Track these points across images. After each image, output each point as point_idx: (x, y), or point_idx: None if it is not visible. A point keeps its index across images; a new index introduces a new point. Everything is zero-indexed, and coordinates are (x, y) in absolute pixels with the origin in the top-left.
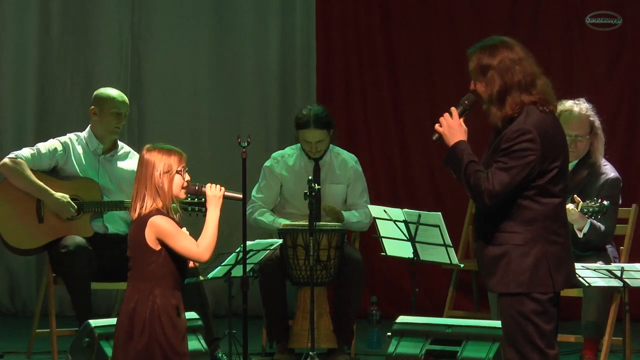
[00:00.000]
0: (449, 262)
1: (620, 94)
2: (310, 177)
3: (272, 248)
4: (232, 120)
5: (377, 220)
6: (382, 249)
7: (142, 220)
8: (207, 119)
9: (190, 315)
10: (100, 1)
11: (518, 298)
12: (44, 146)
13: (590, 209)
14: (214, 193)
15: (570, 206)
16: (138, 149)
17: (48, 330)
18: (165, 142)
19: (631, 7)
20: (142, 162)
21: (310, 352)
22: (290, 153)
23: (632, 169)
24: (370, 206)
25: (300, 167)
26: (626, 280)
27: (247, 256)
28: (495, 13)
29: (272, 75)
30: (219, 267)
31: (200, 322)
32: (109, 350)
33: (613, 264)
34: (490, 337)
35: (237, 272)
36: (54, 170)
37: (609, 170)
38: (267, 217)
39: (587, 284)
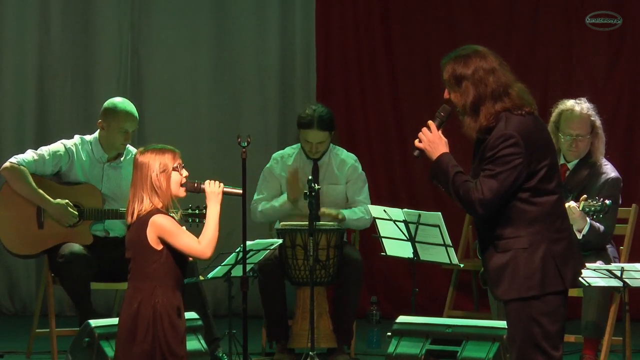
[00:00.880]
0: (449, 262)
1: (620, 94)
2: (310, 177)
3: (271, 248)
4: (232, 120)
5: (377, 220)
6: (382, 249)
7: (142, 221)
8: (207, 118)
9: (190, 315)
10: (100, 1)
11: (528, 301)
12: (47, 150)
13: (592, 208)
14: (213, 189)
15: (571, 204)
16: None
17: (48, 330)
18: (165, 142)
19: (631, 7)
20: (136, 165)
21: (310, 352)
22: (290, 153)
23: (632, 169)
24: (370, 206)
25: (300, 167)
26: (626, 280)
27: (247, 256)
28: (495, 13)
29: (272, 75)
30: (218, 267)
31: (200, 322)
32: (109, 350)
33: (613, 264)
34: (490, 337)
35: (237, 272)
36: (57, 175)
37: (610, 170)
38: (270, 203)
39: (587, 284)
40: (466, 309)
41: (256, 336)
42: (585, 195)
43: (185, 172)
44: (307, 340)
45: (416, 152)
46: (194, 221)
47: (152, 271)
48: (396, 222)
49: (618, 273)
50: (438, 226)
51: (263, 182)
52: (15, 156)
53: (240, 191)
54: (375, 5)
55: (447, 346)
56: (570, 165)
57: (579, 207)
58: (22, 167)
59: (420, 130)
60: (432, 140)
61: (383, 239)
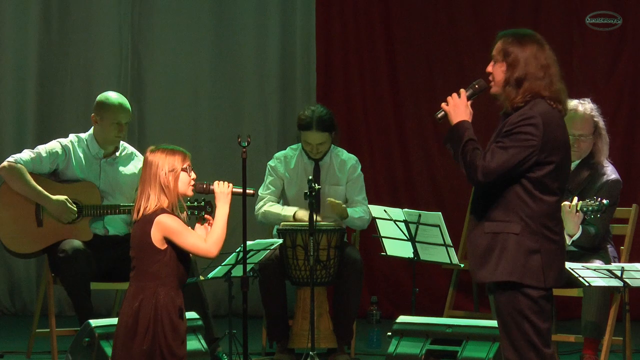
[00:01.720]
0: (449, 262)
1: (620, 94)
2: (310, 177)
3: (272, 248)
4: (232, 120)
5: (377, 220)
6: (383, 249)
7: (147, 220)
8: (207, 118)
9: (191, 315)
10: (100, 1)
11: (513, 294)
12: (44, 149)
13: (590, 208)
14: (222, 190)
15: (567, 203)
16: (138, 149)
17: (48, 330)
18: (166, 142)
19: (631, 7)
20: (146, 163)
21: (310, 352)
22: (291, 154)
23: (632, 169)
24: (370, 206)
25: (301, 168)
26: (626, 280)
27: (247, 256)
28: (495, 13)
29: (272, 75)
30: (219, 267)
31: (200, 322)
32: (109, 350)
33: (613, 264)
34: (490, 337)
35: (237, 272)
36: (54, 173)
37: (610, 172)
38: (276, 208)
39: (587, 284)
40: (466, 308)
41: (256, 336)
42: (575, 197)
43: (193, 175)
44: (307, 340)
45: (440, 114)
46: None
47: (155, 270)
48: (396, 222)
49: (618, 273)
50: (438, 226)
51: (269, 177)
52: (12, 156)
53: (251, 191)
54: (375, 5)
55: (447, 346)
56: (572, 166)
57: (577, 207)
58: (19, 165)
59: (449, 96)
60: (458, 106)
61: (383, 239)
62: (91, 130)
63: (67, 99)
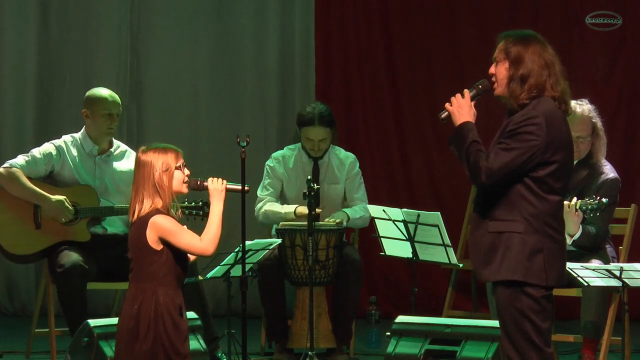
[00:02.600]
0: (448, 262)
1: (619, 94)
2: (309, 177)
3: (271, 248)
4: (232, 120)
5: (376, 220)
6: (381, 249)
7: (142, 221)
8: (206, 118)
9: (190, 315)
10: (100, 1)
11: (514, 293)
12: (38, 151)
13: (589, 207)
14: (216, 187)
15: (566, 202)
16: (137, 149)
17: (47, 330)
18: (165, 142)
19: (631, 7)
20: (138, 164)
21: (309, 352)
22: (289, 154)
23: (632, 168)
24: (369, 206)
25: (300, 168)
26: (625, 280)
27: (246, 256)
28: (495, 13)
29: (272, 75)
30: (218, 267)
31: (199, 322)
32: (107, 350)
33: (612, 264)
34: (489, 337)
35: (236, 271)
36: (51, 176)
37: (609, 171)
38: (277, 207)
39: (586, 284)
40: (465, 308)
41: (255, 336)
42: (574, 197)
43: (187, 171)
44: (306, 340)
45: (444, 114)
46: (190, 214)
47: (152, 271)
48: (395, 222)
49: (617, 273)
50: (437, 226)
51: (267, 178)
52: (7, 162)
53: (246, 187)
54: (374, 5)
55: (446, 346)
56: None
57: (576, 206)
58: (15, 168)
59: (453, 96)
60: (462, 106)
61: (382, 239)
62: (83, 129)
63: (67, 99)
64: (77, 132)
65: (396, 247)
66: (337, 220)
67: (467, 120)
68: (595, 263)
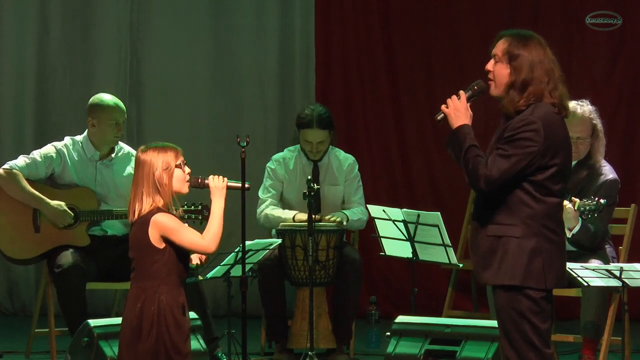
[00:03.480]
0: (448, 262)
1: (619, 94)
2: (309, 177)
3: (270, 248)
4: (231, 120)
5: (376, 220)
6: (381, 249)
7: (144, 220)
8: (206, 119)
9: (190, 315)
10: (99, 1)
11: (513, 295)
12: (39, 154)
13: (588, 207)
14: (217, 184)
15: (567, 203)
16: (137, 149)
17: (47, 330)
18: (164, 141)
19: (631, 7)
20: (138, 163)
21: (309, 352)
22: (289, 156)
23: (631, 169)
24: (369, 206)
25: (300, 170)
26: (625, 280)
27: (246, 256)
28: (495, 13)
29: (272, 75)
30: (218, 267)
31: (199, 322)
32: (108, 350)
33: (612, 264)
34: (489, 337)
35: (236, 272)
36: (50, 179)
37: (608, 172)
38: (278, 211)
39: (586, 284)
40: (465, 308)
41: (255, 336)
42: (573, 197)
43: (187, 169)
44: (306, 340)
45: (440, 116)
46: (196, 218)
47: (155, 270)
48: (395, 222)
49: (617, 273)
50: (437, 226)
51: (268, 180)
52: (7, 163)
53: (247, 185)
54: (374, 5)
55: (446, 346)
56: None
57: (574, 207)
58: (15, 171)
59: (449, 98)
60: (458, 109)
61: (382, 239)
62: (86, 133)
63: (67, 99)
64: (77, 133)
65: (396, 247)
66: (338, 219)
67: (464, 123)
68: (595, 263)
